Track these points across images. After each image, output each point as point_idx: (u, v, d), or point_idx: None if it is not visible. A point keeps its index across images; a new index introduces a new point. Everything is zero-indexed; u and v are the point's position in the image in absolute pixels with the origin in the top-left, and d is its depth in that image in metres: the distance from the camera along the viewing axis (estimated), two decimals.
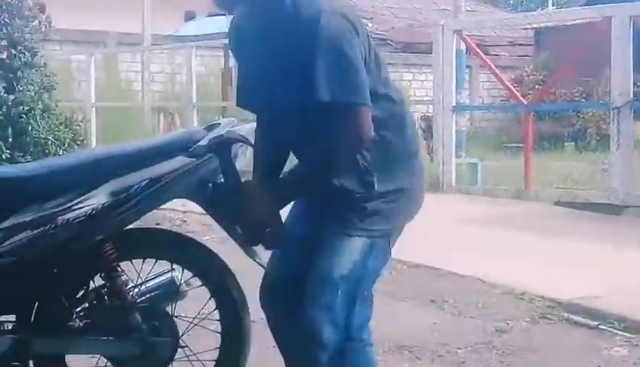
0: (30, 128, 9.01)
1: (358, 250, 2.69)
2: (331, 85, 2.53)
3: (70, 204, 2.97)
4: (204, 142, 2.99)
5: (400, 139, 2.75)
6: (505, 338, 4.36)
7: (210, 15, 16.74)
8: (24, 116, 9.00)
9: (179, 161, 3.02)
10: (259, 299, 2.86)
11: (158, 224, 6.04)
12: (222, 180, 2.88)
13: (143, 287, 3.12)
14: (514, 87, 12.83)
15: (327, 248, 2.69)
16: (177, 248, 3.25)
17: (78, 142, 9.95)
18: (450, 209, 8.69)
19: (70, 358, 3.13)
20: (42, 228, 2.93)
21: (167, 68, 17.67)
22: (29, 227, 2.94)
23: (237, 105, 2.87)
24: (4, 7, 9.19)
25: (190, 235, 3.79)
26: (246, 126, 3.20)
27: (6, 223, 2.95)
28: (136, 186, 3.01)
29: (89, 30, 17.42)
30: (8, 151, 8.65)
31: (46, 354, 3.07)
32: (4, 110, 8.81)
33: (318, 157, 2.68)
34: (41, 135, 9.11)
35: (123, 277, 3.05)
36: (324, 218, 2.72)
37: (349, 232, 2.67)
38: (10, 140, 8.79)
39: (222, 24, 15.25)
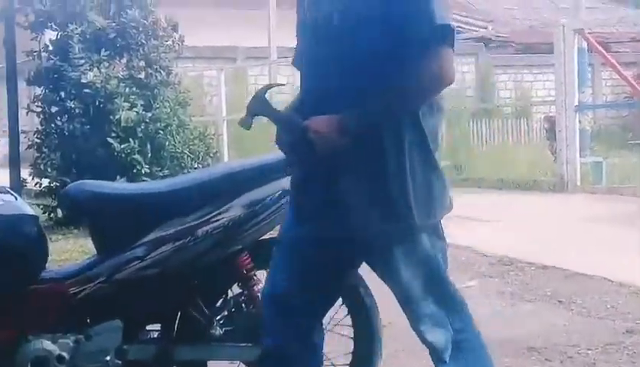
0: (167, 143, 9.22)
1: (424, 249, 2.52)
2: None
3: (208, 217, 3.05)
4: None
5: None
6: (636, 338, 4.23)
7: None
8: (161, 132, 9.21)
9: None
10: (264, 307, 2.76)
11: None
12: None
13: None
14: (638, 84, 12.40)
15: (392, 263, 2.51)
16: None
17: (211, 155, 10.13)
18: (576, 209, 8.52)
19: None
20: (183, 241, 3.01)
21: (294, 79, 17.88)
22: (171, 240, 3.03)
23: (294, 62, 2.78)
24: (140, 28, 9.44)
25: None
26: None
27: (150, 236, 3.04)
28: (269, 198, 3.07)
29: (218, 46, 17.83)
30: (147, 166, 8.87)
31: (188, 361, 3.14)
32: (143, 127, 9.04)
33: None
34: (177, 150, 9.31)
35: (259, 286, 3.10)
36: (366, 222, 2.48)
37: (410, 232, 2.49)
38: (149, 155, 9.01)
39: None
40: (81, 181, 3.35)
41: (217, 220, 3.05)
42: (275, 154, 2.92)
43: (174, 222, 3.07)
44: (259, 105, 2.70)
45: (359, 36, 2.43)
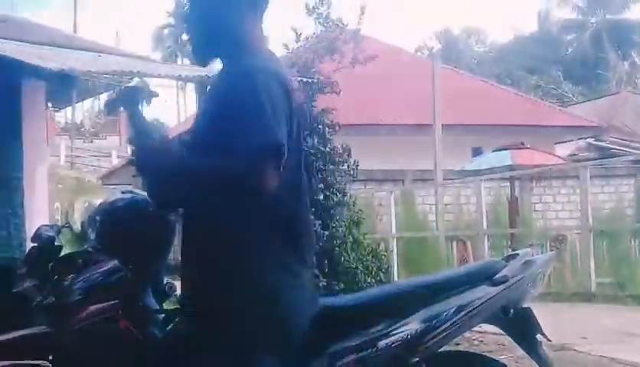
0: (342, 259, 9.37)
1: None
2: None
3: (388, 330, 3.08)
4: (505, 272, 3.04)
5: None
6: None
7: (495, 150, 16.84)
8: (337, 249, 9.38)
9: (483, 290, 3.07)
10: None
11: (457, 344, 6.04)
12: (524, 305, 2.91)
13: None
14: None
15: None
16: None
17: (383, 270, 10.18)
18: None
19: None
20: (365, 352, 3.04)
21: (458, 200, 17.90)
22: (355, 351, 3.07)
23: None
24: (319, 155, 9.75)
25: (486, 354, 3.75)
26: (544, 257, 3.19)
27: (334, 347, 3.09)
28: (446, 313, 3.08)
29: (388, 169, 18.11)
30: (324, 280, 9.02)
31: None
32: (321, 244, 9.23)
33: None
34: (352, 265, 9.43)
35: None
36: None
37: None
38: (326, 270, 9.16)
39: (504, 157, 15.37)
40: None
41: (397, 333, 3.07)
42: (450, 271, 2.94)
43: (357, 334, 3.11)
44: (129, 100, 2.73)
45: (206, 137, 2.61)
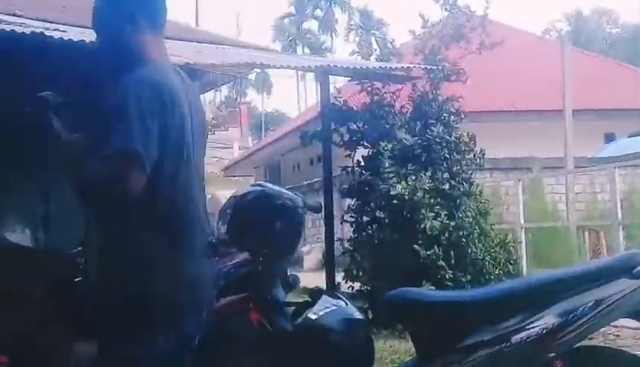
0: (469, 250, 9.29)
1: None
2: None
3: (522, 324, 3.05)
4: None
5: None
6: None
7: (631, 136, 16.28)
8: (464, 240, 9.30)
9: (623, 283, 3.00)
10: None
11: (591, 338, 5.89)
12: None
13: None
14: None
15: None
16: (621, 364, 3.17)
17: (511, 262, 10.05)
18: None
19: None
20: (499, 347, 3.02)
21: (589, 188, 17.40)
22: (487, 346, 3.05)
23: None
24: (444, 144, 9.69)
25: (623, 348, 3.63)
26: None
27: (466, 342, 3.09)
28: (582, 308, 3.02)
29: (516, 157, 17.79)
30: (450, 272, 8.97)
31: None
32: (447, 235, 9.18)
33: None
34: (479, 256, 9.35)
35: None
36: None
37: None
38: (452, 261, 9.11)
39: None
40: (402, 289, 3.45)
41: (531, 328, 3.04)
42: (588, 264, 2.88)
43: (489, 328, 3.09)
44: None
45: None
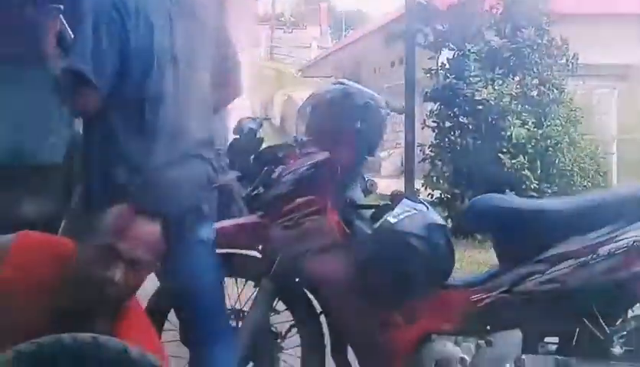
0: (556, 160, 9.16)
1: None
2: None
3: (611, 236, 3.00)
4: None
5: None
6: None
7: None
8: (551, 149, 9.17)
9: None
10: None
11: None
12: None
13: None
14: None
15: None
16: None
17: (601, 174, 9.89)
18: None
19: None
20: (585, 258, 2.99)
21: None
22: (573, 256, 3.02)
23: None
24: (535, 47, 9.47)
25: None
26: None
27: (551, 252, 3.06)
28: None
29: (610, 64, 17.25)
30: (535, 182, 8.87)
31: None
32: (533, 144, 9.06)
33: None
34: (567, 167, 9.21)
35: None
36: None
37: None
38: (538, 171, 9.01)
39: None
40: (488, 195, 3.42)
41: (620, 240, 3.00)
42: None
43: (576, 239, 3.06)
44: None
45: None
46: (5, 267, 2.37)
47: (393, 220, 3.11)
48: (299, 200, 3.24)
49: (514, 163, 8.99)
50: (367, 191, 3.48)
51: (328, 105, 3.34)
